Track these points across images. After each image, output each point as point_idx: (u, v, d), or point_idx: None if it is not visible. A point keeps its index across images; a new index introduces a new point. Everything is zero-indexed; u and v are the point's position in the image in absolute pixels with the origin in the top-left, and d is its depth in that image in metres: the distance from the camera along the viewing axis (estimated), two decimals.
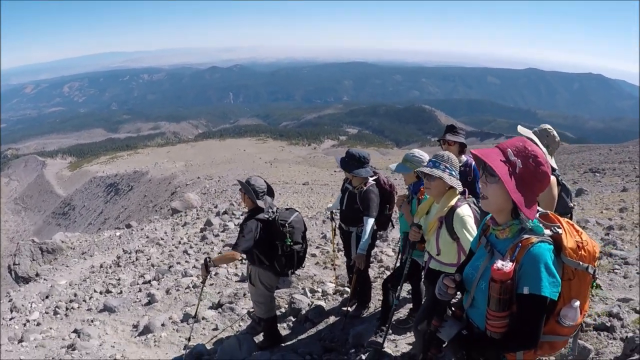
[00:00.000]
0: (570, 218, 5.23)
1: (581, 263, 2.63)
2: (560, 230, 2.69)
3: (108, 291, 12.20)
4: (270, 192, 6.37)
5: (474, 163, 5.98)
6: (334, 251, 10.17)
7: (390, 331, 6.05)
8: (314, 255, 11.46)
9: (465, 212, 4.41)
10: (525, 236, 2.67)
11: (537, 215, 2.77)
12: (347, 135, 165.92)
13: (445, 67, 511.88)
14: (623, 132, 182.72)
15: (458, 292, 3.05)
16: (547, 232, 2.69)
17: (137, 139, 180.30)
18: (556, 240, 2.66)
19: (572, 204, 5.31)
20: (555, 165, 4.86)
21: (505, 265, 2.59)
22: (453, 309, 3.05)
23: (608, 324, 5.18)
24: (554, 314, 2.70)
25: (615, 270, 7.28)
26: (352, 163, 6.54)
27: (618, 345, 4.85)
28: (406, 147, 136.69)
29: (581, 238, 2.70)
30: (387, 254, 10.57)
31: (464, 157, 6.23)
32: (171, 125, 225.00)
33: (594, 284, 2.83)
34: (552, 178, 4.70)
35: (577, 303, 2.65)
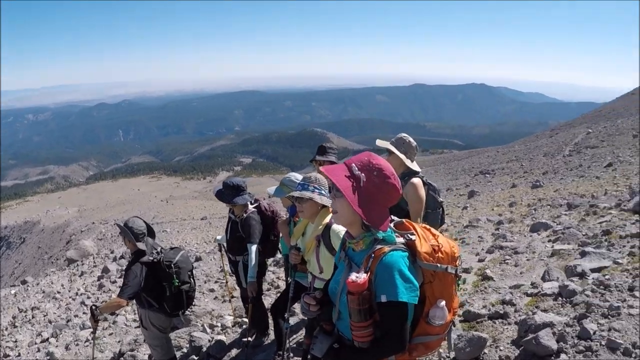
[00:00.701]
0: (443, 212, 5.71)
1: (439, 265, 2.73)
2: (413, 237, 2.77)
3: (6, 355, 11.42)
4: (150, 232, 6.13)
5: None
6: (226, 283, 9.93)
7: (291, 354, 5.97)
8: (212, 290, 11.21)
9: (341, 227, 4.37)
10: (378, 246, 2.72)
11: (392, 224, 2.87)
12: (241, 165, 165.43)
13: (335, 90, 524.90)
14: (508, 134, 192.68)
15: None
16: (400, 240, 2.77)
17: (25, 185, 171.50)
18: (410, 247, 2.75)
19: (441, 199, 5.65)
20: (417, 169, 5.25)
21: (358, 277, 2.62)
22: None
23: (502, 312, 5.29)
24: (422, 316, 2.79)
25: (507, 261, 7.46)
26: (228, 193, 6.57)
27: (513, 329, 4.94)
28: (301, 171, 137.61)
29: (437, 241, 2.80)
30: (283, 279, 10.48)
31: None
32: (60, 169, 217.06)
33: (460, 282, 3.07)
34: (417, 180, 5.13)
35: (443, 303, 2.74)
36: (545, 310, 4.98)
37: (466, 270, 7.42)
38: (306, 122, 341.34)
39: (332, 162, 6.18)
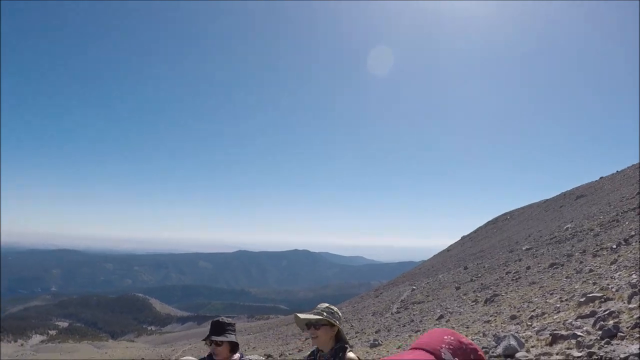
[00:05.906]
0: None
1: None
2: None
3: None
4: None
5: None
6: None
7: None
8: None
9: None
10: None
11: None
12: (57, 329, 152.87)
13: (157, 254, 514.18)
14: (331, 297, 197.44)
15: None
16: None
17: None
18: None
19: None
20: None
21: None
22: None
23: None
24: None
25: None
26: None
27: None
28: (122, 338, 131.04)
29: None
30: None
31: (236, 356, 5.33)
32: None
33: None
34: (353, 355, 4.51)
35: None
36: None
37: None
38: (128, 286, 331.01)
39: (232, 343, 5.00)
